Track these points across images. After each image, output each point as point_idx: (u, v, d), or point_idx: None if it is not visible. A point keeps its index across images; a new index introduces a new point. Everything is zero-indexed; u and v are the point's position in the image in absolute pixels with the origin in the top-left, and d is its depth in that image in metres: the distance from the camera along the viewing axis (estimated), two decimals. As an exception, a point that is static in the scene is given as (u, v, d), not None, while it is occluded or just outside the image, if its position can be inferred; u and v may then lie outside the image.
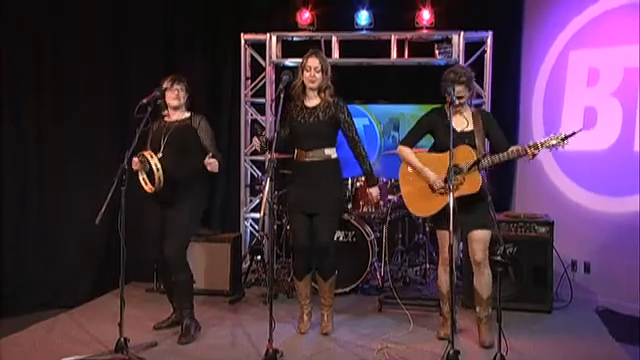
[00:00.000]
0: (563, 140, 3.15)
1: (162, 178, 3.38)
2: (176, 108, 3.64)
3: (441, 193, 3.40)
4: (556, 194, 4.82)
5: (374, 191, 3.69)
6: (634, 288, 4.15)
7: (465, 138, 3.38)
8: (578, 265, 4.63)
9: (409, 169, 3.54)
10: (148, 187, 3.44)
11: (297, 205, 3.60)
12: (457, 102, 3.36)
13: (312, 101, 3.61)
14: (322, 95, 3.58)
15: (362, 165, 3.64)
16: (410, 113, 5.34)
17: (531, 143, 3.25)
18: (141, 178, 3.45)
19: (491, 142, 3.49)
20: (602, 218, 4.52)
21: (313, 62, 3.54)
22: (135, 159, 3.41)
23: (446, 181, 3.32)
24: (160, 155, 3.45)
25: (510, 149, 3.32)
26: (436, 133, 3.51)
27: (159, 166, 3.38)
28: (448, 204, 3.30)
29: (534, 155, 3.23)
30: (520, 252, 4.11)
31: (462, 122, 3.43)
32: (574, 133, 3.14)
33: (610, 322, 3.99)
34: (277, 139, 3.38)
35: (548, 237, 4.14)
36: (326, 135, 3.57)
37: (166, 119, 3.67)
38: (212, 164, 3.45)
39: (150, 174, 3.42)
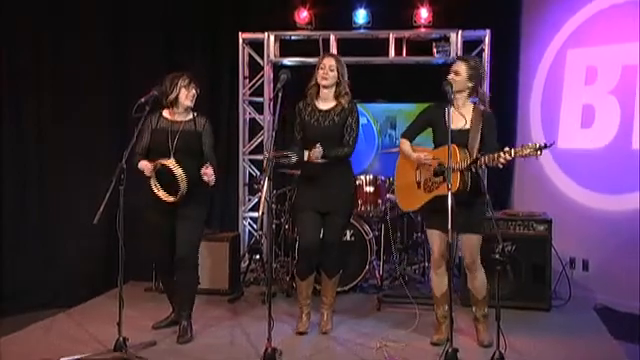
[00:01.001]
0: (537, 150, 3.02)
1: (186, 189, 3.34)
2: (186, 109, 3.54)
3: (425, 189, 3.40)
4: (554, 192, 4.82)
5: (317, 150, 3.45)
6: (633, 286, 4.15)
7: (459, 137, 3.28)
8: (576, 263, 4.63)
9: (402, 163, 3.54)
10: (162, 194, 3.37)
11: (309, 204, 3.59)
12: (451, 77, 3.31)
13: (326, 103, 3.60)
14: (340, 100, 3.57)
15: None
16: (409, 111, 5.35)
17: (506, 149, 3.12)
18: (153, 184, 3.39)
19: (482, 145, 3.35)
20: (600, 216, 4.52)
21: (328, 61, 3.54)
22: (149, 165, 3.36)
23: (435, 174, 3.32)
24: (160, 163, 3.39)
25: (486, 155, 3.18)
26: (434, 129, 3.46)
27: (184, 177, 3.32)
28: (431, 201, 3.33)
29: (506, 160, 3.10)
30: (518, 250, 4.06)
31: (460, 120, 3.33)
32: (547, 146, 3.02)
33: (608, 320, 4.00)
34: (275, 139, 3.34)
35: (546, 235, 4.14)
36: (341, 137, 3.57)
37: (167, 117, 3.55)
38: (209, 175, 3.36)
39: (166, 181, 3.36)
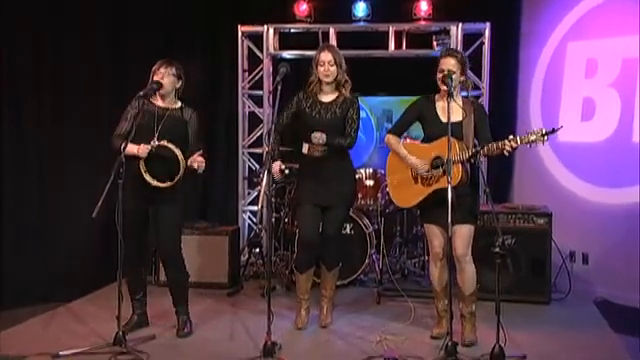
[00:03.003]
0: (543, 136, 3.03)
1: (182, 174, 3.29)
2: (163, 94, 3.48)
3: (423, 184, 3.37)
4: (555, 185, 4.81)
5: (319, 135, 3.45)
6: (633, 279, 4.13)
7: (454, 129, 3.25)
8: (576, 256, 4.62)
9: (395, 159, 3.50)
10: (150, 179, 3.30)
11: (309, 198, 3.59)
12: (440, 75, 3.28)
13: (328, 96, 3.59)
14: (341, 90, 3.56)
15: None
16: (405, 104, 5.31)
17: (511, 137, 3.12)
18: (143, 170, 3.34)
19: (475, 136, 3.36)
20: (601, 209, 4.51)
21: (326, 56, 3.51)
22: (146, 146, 3.30)
23: (433, 167, 3.30)
24: (156, 143, 3.35)
25: (489, 144, 3.19)
26: (423, 123, 3.45)
27: (183, 158, 3.29)
28: (430, 195, 3.32)
29: (513, 148, 3.10)
30: (518, 243, 4.11)
31: (452, 112, 3.27)
32: (554, 130, 3.02)
33: (608, 313, 3.99)
34: (274, 130, 3.34)
35: (547, 228, 4.13)
36: (342, 130, 3.56)
37: (155, 102, 3.49)
38: (200, 161, 3.31)
39: (154, 165, 3.33)
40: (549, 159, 4.86)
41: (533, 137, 3.05)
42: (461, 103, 3.34)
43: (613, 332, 3.65)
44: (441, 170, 3.27)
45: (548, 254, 4.13)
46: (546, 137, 3.03)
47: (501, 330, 3.01)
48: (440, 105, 3.36)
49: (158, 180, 3.36)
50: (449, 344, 3.02)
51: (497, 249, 3.08)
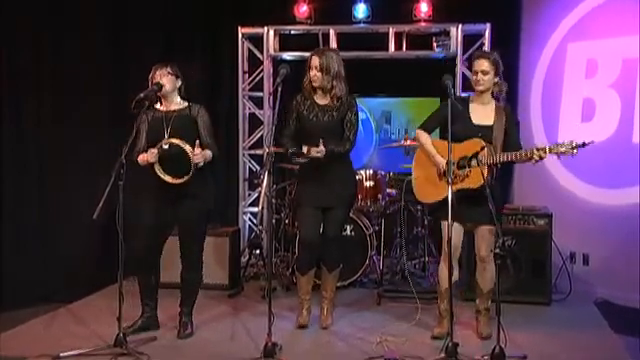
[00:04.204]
0: (573, 149, 3.07)
1: (200, 164, 3.28)
2: (165, 95, 3.48)
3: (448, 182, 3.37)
4: (555, 186, 4.81)
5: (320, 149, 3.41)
6: (633, 279, 4.14)
7: (481, 132, 3.29)
8: (577, 257, 4.63)
9: (423, 155, 3.51)
10: (169, 178, 3.32)
11: (309, 200, 3.59)
12: (477, 78, 3.29)
13: (324, 99, 3.58)
14: (330, 96, 3.53)
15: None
16: (404, 105, 5.34)
17: (540, 146, 3.17)
18: (157, 170, 3.34)
19: (504, 141, 3.37)
20: (601, 210, 4.51)
21: (314, 61, 3.50)
22: (152, 150, 3.31)
23: (459, 167, 3.31)
24: (167, 146, 3.35)
25: (518, 151, 3.24)
26: (454, 123, 3.37)
27: (192, 150, 3.28)
28: (452, 194, 3.34)
29: (541, 158, 3.15)
30: (519, 244, 4.12)
31: (482, 115, 3.32)
32: (585, 144, 3.06)
33: (609, 314, 4.00)
34: (281, 132, 3.35)
35: (547, 229, 4.14)
36: (340, 132, 3.56)
37: (161, 108, 3.50)
38: (198, 156, 3.29)
39: (170, 165, 3.32)
40: (549, 160, 4.76)
41: (563, 149, 3.10)
42: (493, 107, 3.36)
43: (613, 332, 3.65)
44: (466, 170, 3.30)
45: (548, 255, 4.13)
46: (575, 150, 3.07)
47: (502, 331, 3.01)
48: (473, 107, 3.36)
49: (176, 177, 3.34)
50: (450, 345, 3.03)
51: (497, 250, 3.09)
